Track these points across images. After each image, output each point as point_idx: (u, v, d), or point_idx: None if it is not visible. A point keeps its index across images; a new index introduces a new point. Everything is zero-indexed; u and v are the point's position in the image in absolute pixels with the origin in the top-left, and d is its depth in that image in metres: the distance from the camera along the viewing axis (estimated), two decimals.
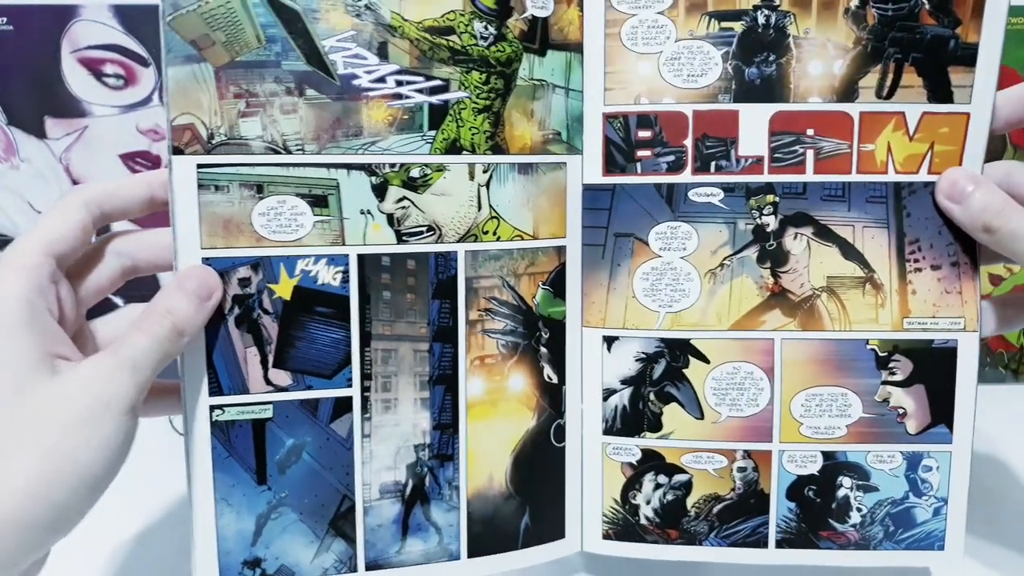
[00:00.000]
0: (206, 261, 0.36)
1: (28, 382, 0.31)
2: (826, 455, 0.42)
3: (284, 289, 0.37)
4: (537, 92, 0.40)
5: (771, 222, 0.41)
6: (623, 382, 0.42)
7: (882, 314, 0.41)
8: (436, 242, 0.39)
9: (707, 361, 0.42)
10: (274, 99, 0.36)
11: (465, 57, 0.38)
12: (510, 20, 0.39)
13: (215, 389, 0.37)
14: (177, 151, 0.35)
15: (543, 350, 0.41)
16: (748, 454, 0.42)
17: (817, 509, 0.42)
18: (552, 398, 0.42)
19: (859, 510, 0.42)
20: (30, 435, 0.30)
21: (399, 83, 0.37)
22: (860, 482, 0.42)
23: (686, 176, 0.41)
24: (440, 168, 0.38)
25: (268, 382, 0.37)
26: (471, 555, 0.40)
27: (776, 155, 0.40)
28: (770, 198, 0.41)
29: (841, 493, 0.42)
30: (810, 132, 0.40)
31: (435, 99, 0.38)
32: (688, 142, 0.40)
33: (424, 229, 0.38)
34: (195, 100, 0.35)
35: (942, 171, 0.40)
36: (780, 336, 0.41)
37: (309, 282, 0.37)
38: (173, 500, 0.53)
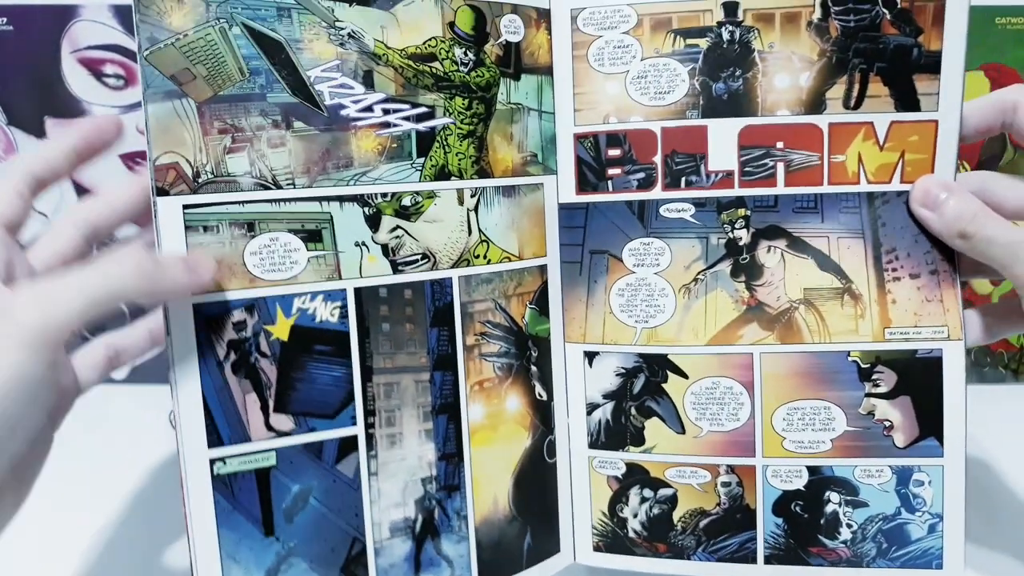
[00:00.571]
0: (198, 307, 0.34)
1: None
2: (812, 470, 0.41)
3: (281, 330, 0.36)
4: (515, 115, 0.40)
5: (743, 235, 0.41)
6: (605, 396, 0.43)
7: (862, 325, 0.41)
8: (431, 269, 0.38)
9: (685, 376, 0.42)
10: (261, 133, 0.34)
11: (448, 83, 0.38)
12: (487, 45, 0.39)
13: (215, 440, 0.35)
14: (162, 192, 0.33)
15: (533, 368, 0.41)
16: (732, 469, 0.42)
17: (805, 525, 0.42)
18: (543, 414, 0.42)
19: (849, 526, 0.41)
20: None
21: (386, 111, 0.37)
22: (849, 497, 0.41)
23: (657, 192, 0.41)
24: (431, 195, 0.38)
25: (270, 428, 0.36)
26: None
27: (746, 169, 0.41)
28: (741, 212, 0.41)
29: (829, 508, 0.41)
30: (779, 145, 0.40)
31: (422, 126, 0.37)
32: (657, 159, 0.41)
33: (419, 257, 0.38)
34: (178, 137, 0.33)
35: (914, 180, 0.40)
36: (759, 350, 0.41)
37: (307, 320, 0.36)
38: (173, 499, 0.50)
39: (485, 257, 0.39)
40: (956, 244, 0.38)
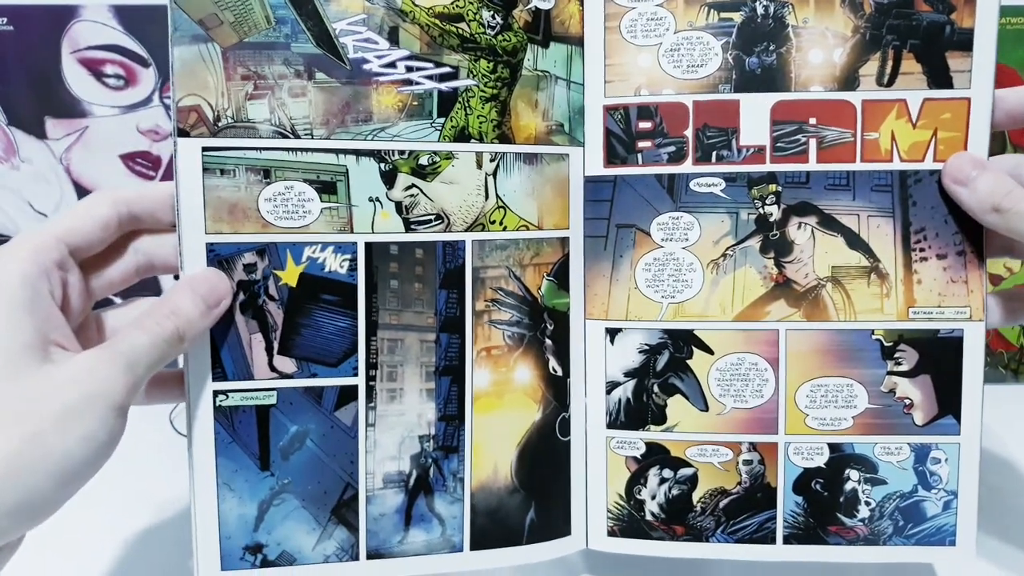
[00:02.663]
0: (210, 247, 0.35)
1: (17, 365, 0.30)
2: (832, 447, 0.41)
3: (290, 276, 0.37)
4: (541, 83, 0.39)
5: (774, 211, 0.41)
6: (626, 374, 0.42)
7: (887, 304, 0.41)
8: (444, 231, 0.38)
9: (711, 352, 0.41)
10: (283, 82, 0.35)
11: (474, 45, 0.37)
12: (515, 10, 0.39)
13: (219, 375, 0.36)
14: (183, 133, 0.35)
15: (548, 342, 0.41)
16: (754, 446, 0.42)
17: (825, 503, 0.42)
18: (557, 391, 0.41)
19: (867, 504, 0.41)
20: (12, 418, 0.30)
21: (409, 69, 0.37)
22: (868, 475, 0.41)
23: (687, 166, 0.41)
24: (449, 156, 0.38)
25: (273, 369, 0.37)
26: (474, 548, 0.40)
27: (778, 144, 0.40)
28: (772, 187, 0.41)
29: (849, 486, 0.41)
30: (812, 121, 0.40)
31: (444, 86, 0.37)
32: (689, 132, 0.40)
33: (432, 218, 0.38)
34: (202, 81, 0.34)
35: (947, 158, 0.39)
36: (785, 327, 0.41)
37: (316, 269, 0.37)
38: (173, 498, 0.53)
39: (501, 223, 0.39)
40: (988, 219, 0.38)
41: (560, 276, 0.41)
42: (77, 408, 0.30)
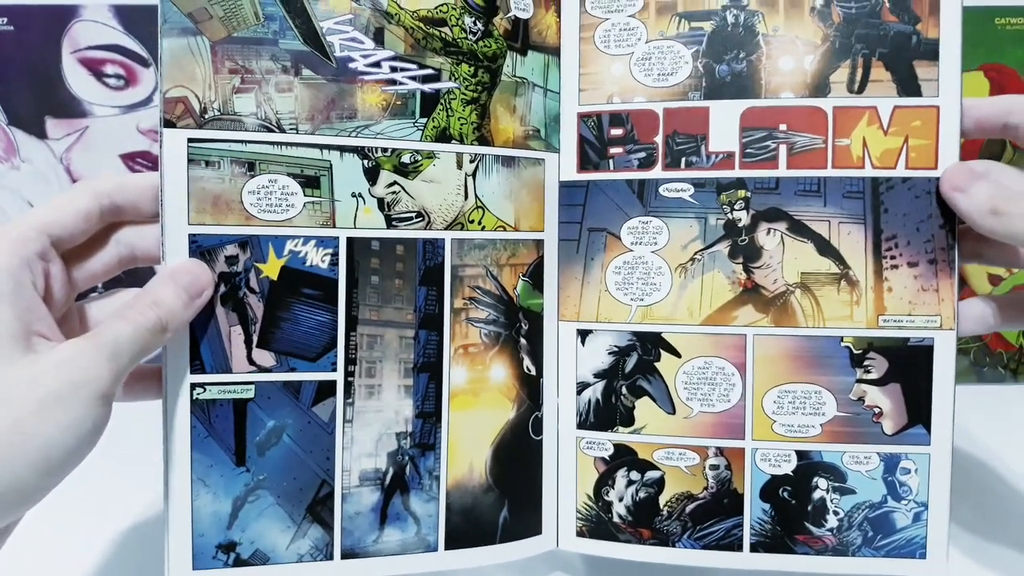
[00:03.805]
0: (193, 237, 0.36)
1: (1, 355, 0.30)
2: (800, 454, 0.41)
3: (272, 269, 0.37)
4: (519, 89, 0.41)
5: (743, 217, 0.41)
6: (596, 375, 0.42)
7: (857, 311, 0.41)
8: (425, 228, 0.39)
9: (678, 355, 0.42)
10: (270, 77, 0.36)
11: (456, 49, 0.39)
12: (496, 18, 0.40)
13: (197, 367, 0.36)
14: (169, 124, 0.35)
15: (522, 341, 0.42)
16: (721, 451, 0.42)
17: (792, 511, 0.41)
18: (531, 390, 0.42)
19: (836, 513, 0.41)
20: None
21: (393, 69, 0.38)
22: (836, 484, 0.41)
23: (657, 172, 0.42)
24: (430, 155, 0.39)
25: (251, 362, 0.37)
26: (448, 547, 0.40)
27: (748, 150, 0.41)
28: (741, 193, 0.41)
29: (817, 495, 0.41)
30: (783, 127, 0.41)
31: (427, 87, 0.38)
32: (659, 139, 0.41)
33: (413, 215, 0.38)
34: (189, 73, 0.35)
35: (919, 166, 0.40)
36: (752, 332, 0.41)
37: (297, 263, 0.37)
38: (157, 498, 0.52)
39: (480, 223, 0.40)
40: (987, 223, 0.37)
41: (535, 277, 0.42)
42: (60, 396, 0.30)
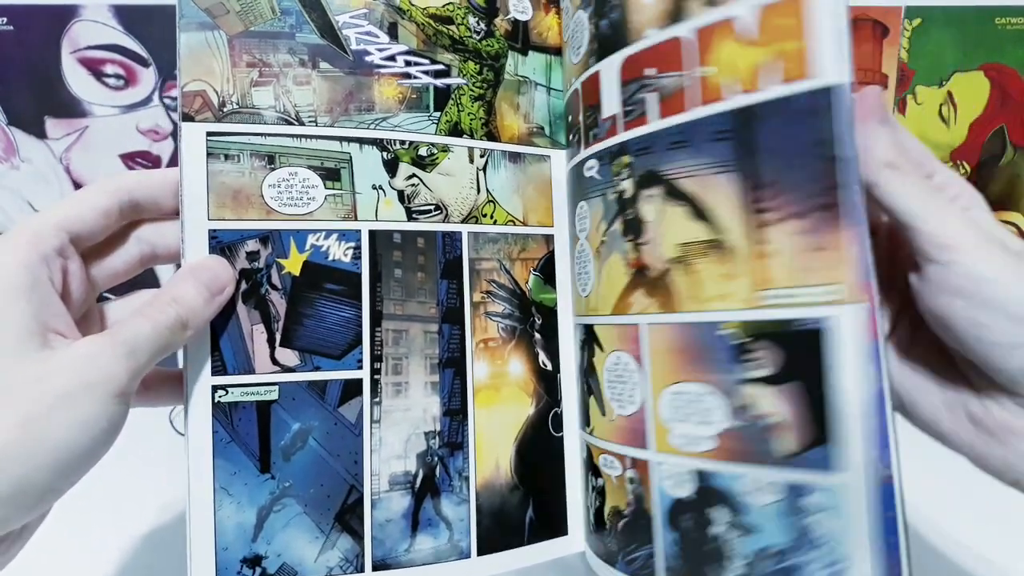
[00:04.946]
0: (213, 233, 0.34)
1: (15, 350, 0.29)
2: (701, 475, 0.32)
3: (294, 264, 0.36)
4: (521, 87, 0.41)
5: (628, 187, 0.34)
6: (578, 371, 0.41)
7: (734, 286, 0.30)
8: (443, 221, 0.38)
9: (602, 349, 0.37)
10: (288, 70, 0.36)
11: (462, 47, 0.40)
12: (497, 19, 0.41)
13: (219, 368, 0.34)
14: (187, 118, 0.34)
15: (537, 336, 0.41)
16: (634, 462, 0.34)
17: (694, 547, 0.32)
18: (548, 385, 0.41)
19: (743, 558, 0.30)
20: (8, 403, 0.28)
21: (408, 63, 0.38)
22: (737, 518, 0.30)
23: (581, 154, 0.38)
24: (445, 148, 0.39)
25: (275, 362, 0.35)
26: (480, 552, 0.38)
27: (627, 108, 0.34)
28: (625, 159, 0.34)
29: (716, 530, 0.31)
30: (650, 72, 0.33)
31: (439, 82, 0.39)
32: (581, 117, 0.38)
33: (432, 208, 0.38)
34: (207, 67, 0.34)
35: (795, 76, 0.29)
36: (645, 320, 0.34)
37: (320, 258, 0.36)
38: (172, 501, 0.50)
39: (492, 217, 0.40)
40: (882, 175, 0.29)
41: (546, 272, 0.42)
42: (75, 393, 0.29)
